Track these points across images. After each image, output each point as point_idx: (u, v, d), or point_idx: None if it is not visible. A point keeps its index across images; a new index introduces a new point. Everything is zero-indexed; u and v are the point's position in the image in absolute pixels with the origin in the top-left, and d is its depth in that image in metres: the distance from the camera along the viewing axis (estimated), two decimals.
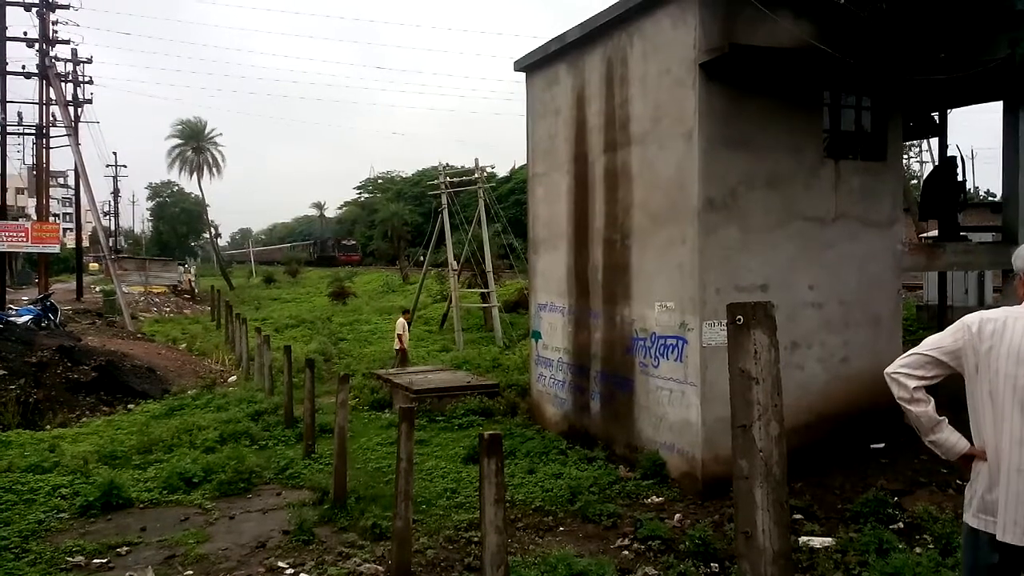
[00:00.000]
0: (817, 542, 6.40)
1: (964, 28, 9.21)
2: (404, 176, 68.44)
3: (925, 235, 16.16)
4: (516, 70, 12.52)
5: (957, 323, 2.87)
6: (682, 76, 8.43)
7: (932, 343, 2.84)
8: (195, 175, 58.62)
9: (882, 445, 8.52)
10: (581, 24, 10.38)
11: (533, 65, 12.04)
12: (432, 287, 28.64)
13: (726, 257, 8.32)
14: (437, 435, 11.04)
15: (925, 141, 22.65)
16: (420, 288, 26.53)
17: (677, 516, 7.46)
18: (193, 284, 46.81)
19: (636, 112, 9.40)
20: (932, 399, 2.79)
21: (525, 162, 13.39)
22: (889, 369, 2.91)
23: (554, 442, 10.35)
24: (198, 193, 61.34)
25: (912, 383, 2.81)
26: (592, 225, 10.45)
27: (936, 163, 12.62)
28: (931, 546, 6.19)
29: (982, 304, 14.31)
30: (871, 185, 9.12)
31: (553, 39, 11.27)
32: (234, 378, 17.44)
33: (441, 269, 27.83)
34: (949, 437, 2.82)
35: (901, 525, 6.73)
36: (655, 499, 8.01)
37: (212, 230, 67.58)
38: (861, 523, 6.74)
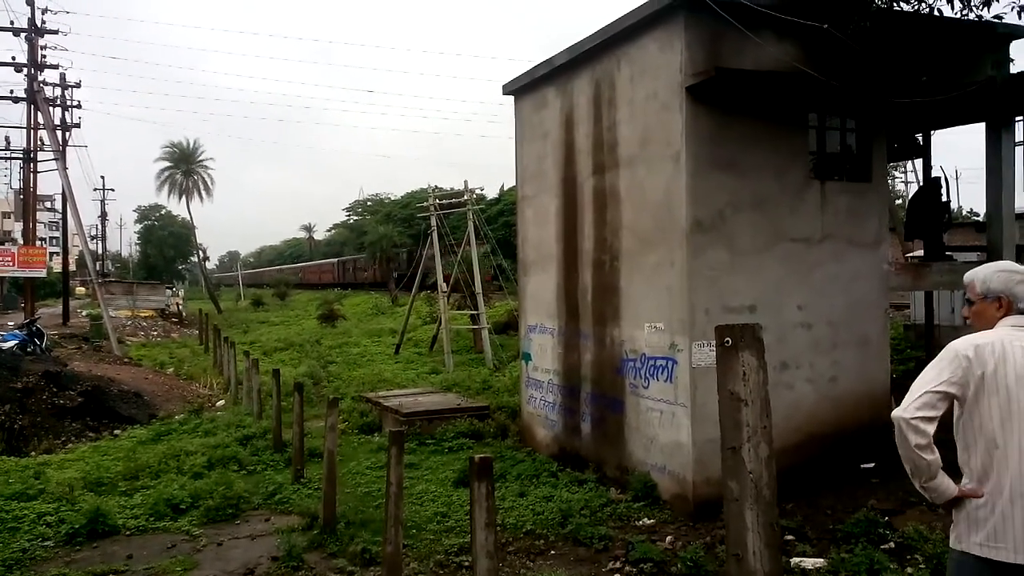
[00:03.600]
0: (809, 563, 6.39)
1: (946, 51, 9.38)
2: (393, 198, 68.54)
3: (911, 255, 16.31)
4: (505, 93, 12.62)
5: (948, 353, 2.87)
6: (669, 99, 8.53)
7: (936, 378, 2.80)
8: (184, 198, 58.54)
9: (872, 465, 8.54)
10: (569, 48, 10.49)
11: (522, 89, 12.14)
12: (421, 309, 28.60)
13: (714, 278, 8.36)
14: (427, 458, 10.98)
15: (910, 162, 22.92)
16: (409, 310, 26.50)
17: (669, 538, 7.43)
18: (181, 308, 46.54)
19: (624, 135, 9.48)
20: None
21: (514, 184, 13.46)
22: (905, 415, 2.81)
23: (545, 464, 10.31)
24: (186, 216, 61.19)
25: (931, 429, 2.75)
26: (581, 247, 10.49)
27: (921, 183, 12.77)
28: (922, 566, 6.20)
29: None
30: (857, 206, 9.21)
31: (541, 63, 11.37)
32: (222, 402, 17.30)
33: (430, 291, 27.81)
34: (943, 481, 2.82)
35: (892, 545, 6.72)
36: (647, 521, 7.98)
37: (200, 253, 67.40)
38: (852, 543, 6.73)
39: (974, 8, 8.88)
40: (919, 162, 13.20)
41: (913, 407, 2.80)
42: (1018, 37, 9.82)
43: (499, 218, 41.39)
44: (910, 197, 13.68)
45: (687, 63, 8.27)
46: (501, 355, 20.98)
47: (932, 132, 12.33)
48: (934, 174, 12.06)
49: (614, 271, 9.68)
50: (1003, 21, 9.20)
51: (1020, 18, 8.79)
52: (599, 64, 9.97)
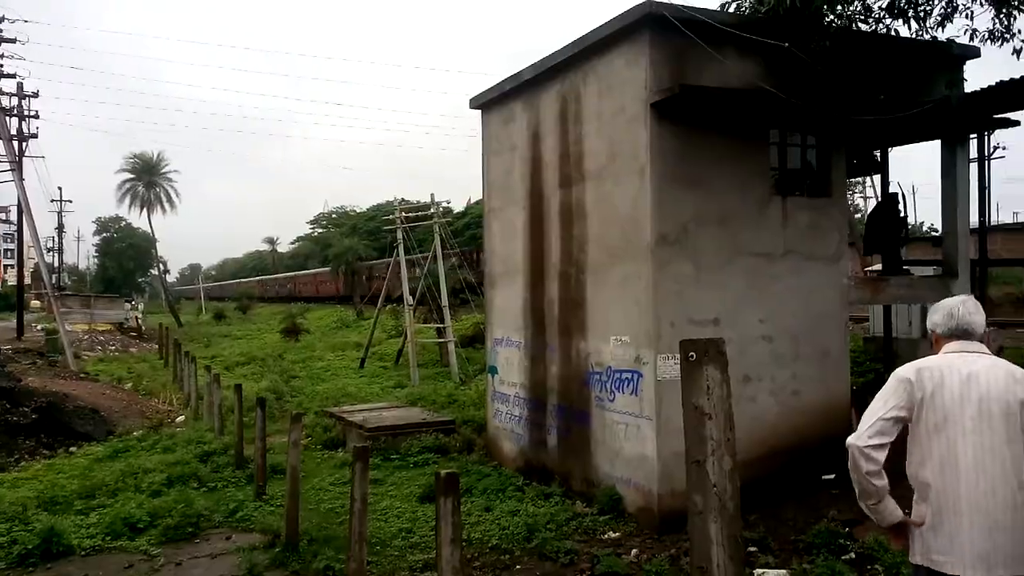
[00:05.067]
0: (772, 574, 6.44)
1: (903, 70, 9.63)
2: (359, 211, 68.16)
3: (870, 269, 16.63)
4: (472, 107, 12.65)
5: (892, 381, 3.02)
6: (635, 115, 8.62)
7: (884, 406, 2.95)
8: (146, 210, 57.52)
9: (832, 476, 8.65)
10: (536, 63, 10.56)
11: (489, 103, 12.19)
12: (387, 323, 28.40)
13: (679, 292, 8.44)
14: (392, 474, 10.87)
15: (868, 178, 23.43)
16: (375, 324, 26.31)
17: (634, 551, 7.44)
18: (140, 321, 45.64)
19: (591, 149, 9.56)
20: None
21: (480, 197, 13.48)
22: (858, 443, 2.96)
23: (511, 478, 10.27)
24: (146, 228, 60.12)
25: (881, 456, 2.90)
26: (548, 260, 10.52)
27: (879, 199, 13.06)
28: None
29: (924, 336, 14.72)
30: (817, 221, 9.38)
31: (508, 78, 11.43)
32: (182, 418, 16.97)
33: (396, 305, 27.64)
34: (888, 505, 2.97)
35: (853, 556, 6.81)
36: (612, 534, 7.99)
37: (161, 266, 66.24)
38: (814, 554, 6.81)
39: (929, 30, 9.14)
40: (877, 178, 13.51)
41: (865, 435, 2.96)
42: (971, 57, 10.11)
43: (466, 231, 41.36)
44: (868, 212, 13.98)
45: (652, 79, 8.37)
46: (467, 369, 20.92)
47: (890, 149, 12.64)
48: (892, 190, 12.36)
49: (581, 284, 9.72)
50: (956, 43, 9.48)
51: (972, 40, 9.07)
52: (566, 79, 10.05)
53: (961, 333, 2.93)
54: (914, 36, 9.16)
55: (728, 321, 8.60)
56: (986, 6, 8.68)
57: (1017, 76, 8.94)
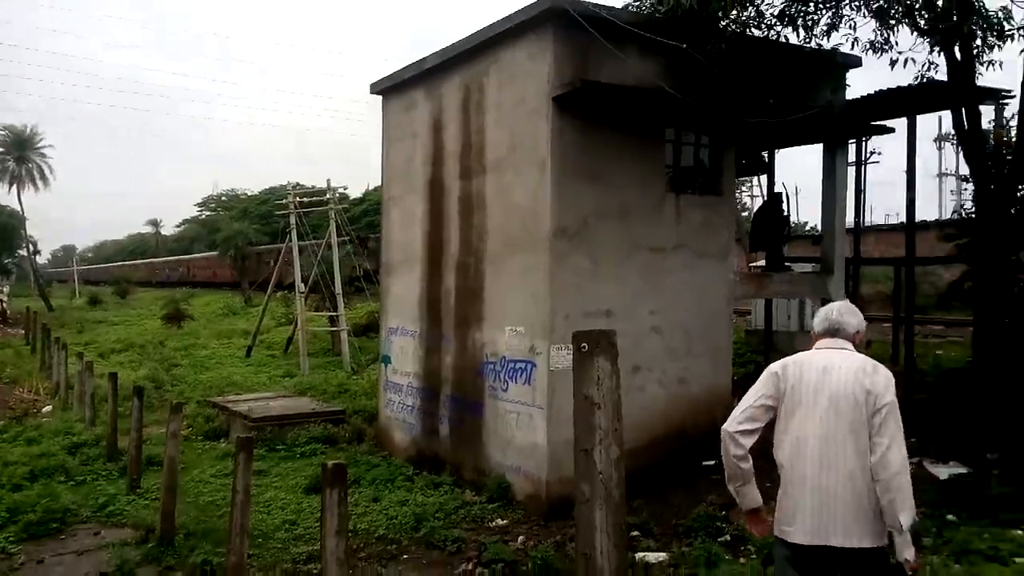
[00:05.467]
0: (652, 557, 6.63)
1: (792, 76, 10.07)
2: (250, 194, 65.68)
3: (754, 265, 17.39)
4: (372, 92, 12.37)
5: (764, 373, 3.30)
6: (537, 107, 8.64)
7: (756, 393, 3.23)
8: (15, 187, 53.37)
9: (713, 462, 8.98)
10: (440, 51, 10.42)
11: (390, 89, 11.95)
12: (277, 310, 27.52)
13: (576, 284, 8.54)
14: (277, 465, 10.53)
15: (756, 177, 24.50)
16: (264, 311, 25.43)
17: (521, 538, 7.49)
18: (5, 305, 42.41)
19: (492, 140, 9.52)
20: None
21: (379, 184, 13.22)
22: (729, 428, 3.19)
23: (401, 468, 10.15)
24: (15, 205, 55.83)
25: (749, 441, 3.16)
26: (447, 250, 10.43)
27: (765, 198, 13.65)
28: (754, 556, 6.56)
29: (803, 329, 15.53)
30: (708, 218, 9.70)
31: (410, 64, 11.23)
32: (49, 408, 15.86)
33: (287, 291, 26.81)
34: (751, 491, 3.23)
35: (728, 538, 7.10)
36: (500, 522, 8.02)
37: (30, 246, 61.67)
38: (693, 537, 7.07)
39: (816, 38, 9.58)
40: (764, 178, 14.12)
41: (735, 421, 3.22)
42: (853, 66, 10.66)
43: (363, 218, 40.60)
44: (755, 211, 14.62)
45: (555, 73, 8.41)
46: (360, 358, 20.54)
47: (777, 150, 13.24)
48: (777, 190, 12.95)
49: (479, 275, 9.69)
50: (841, 52, 9.99)
51: (853, 49, 9.57)
52: (469, 68, 9.96)
53: (831, 332, 3.19)
54: (802, 44, 9.60)
55: (622, 313, 8.78)
56: (868, 18, 9.16)
57: (895, 86, 9.54)
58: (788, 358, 3.30)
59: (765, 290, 11.25)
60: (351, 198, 33.80)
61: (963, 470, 8.81)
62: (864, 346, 3.28)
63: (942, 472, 8.31)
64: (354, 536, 7.31)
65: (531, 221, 8.73)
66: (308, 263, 23.96)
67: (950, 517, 6.92)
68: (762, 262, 12.94)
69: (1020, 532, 6.33)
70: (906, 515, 2.82)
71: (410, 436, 11.03)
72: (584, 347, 3.46)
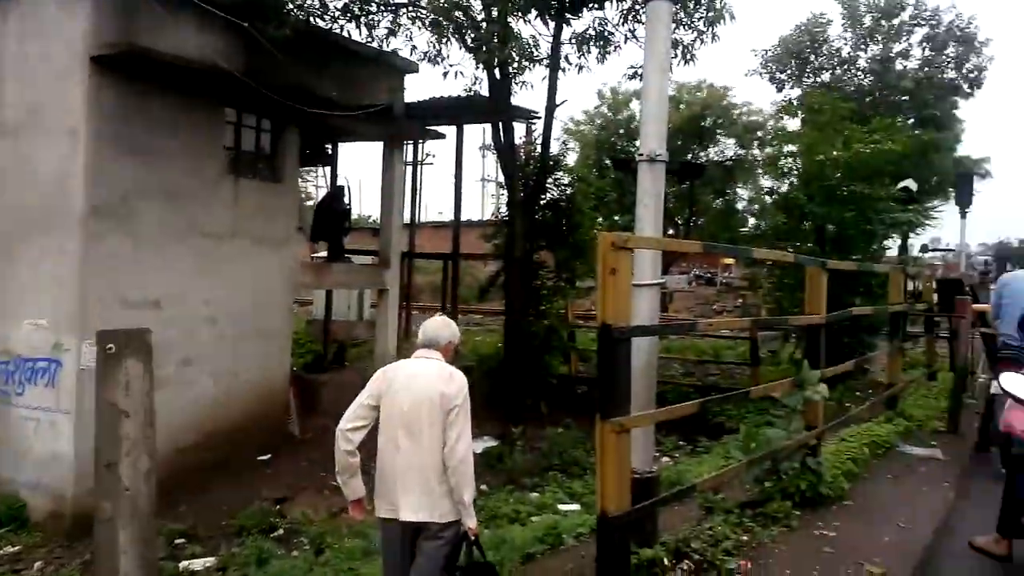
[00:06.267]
0: (199, 564, 6.29)
1: (357, 73, 10.38)
2: None
3: (316, 255, 17.62)
4: None
5: (373, 376, 3.68)
6: (70, 66, 7.50)
7: (363, 395, 3.58)
8: None
9: (268, 456, 8.89)
10: None
11: None
12: None
13: (115, 269, 7.64)
14: None
15: (320, 168, 24.75)
16: None
17: (38, 564, 6.51)
18: None
19: (8, 99, 7.99)
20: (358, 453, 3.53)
21: None
22: (342, 427, 3.48)
23: None
24: None
25: (357, 437, 3.49)
26: None
27: (328, 189, 13.88)
28: (307, 547, 6.65)
29: (361, 318, 16.22)
30: (269, 205, 9.49)
31: None
32: None
33: None
34: (356, 483, 3.56)
35: (282, 532, 7.09)
36: (10, 549, 6.83)
37: None
38: (244, 536, 6.87)
39: (378, 38, 10.02)
40: (328, 169, 14.35)
41: (346, 420, 3.51)
42: (411, 72, 11.40)
43: None
44: (317, 201, 14.75)
45: (94, 31, 7.41)
46: None
47: (340, 143, 13.55)
48: (340, 182, 13.26)
49: None
50: (400, 56, 10.61)
51: (411, 55, 10.26)
52: None
53: (427, 344, 3.68)
54: (366, 42, 9.97)
55: (171, 302, 8.15)
56: (424, 29, 9.88)
57: (447, 95, 10.48)
58: (390, 364, 3.76)
59: (326, 280, 11.47)
60: None
61: (494, 443, 10.14)
62: (455, 353, 3.83)
63: (478, 446, 9.42)
64: None
65: (58, 196, 7.56)
66: None
67: (483, 487, 7.84)
68: (324, 253, 13.16)
69: (536, 495, 7.45)
70: (468, 493, 3.41)
71: None
72: (111, 348, 3.19)
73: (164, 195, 8.15)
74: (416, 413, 3.45)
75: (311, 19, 9.47)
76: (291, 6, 8.79)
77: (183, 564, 6.24)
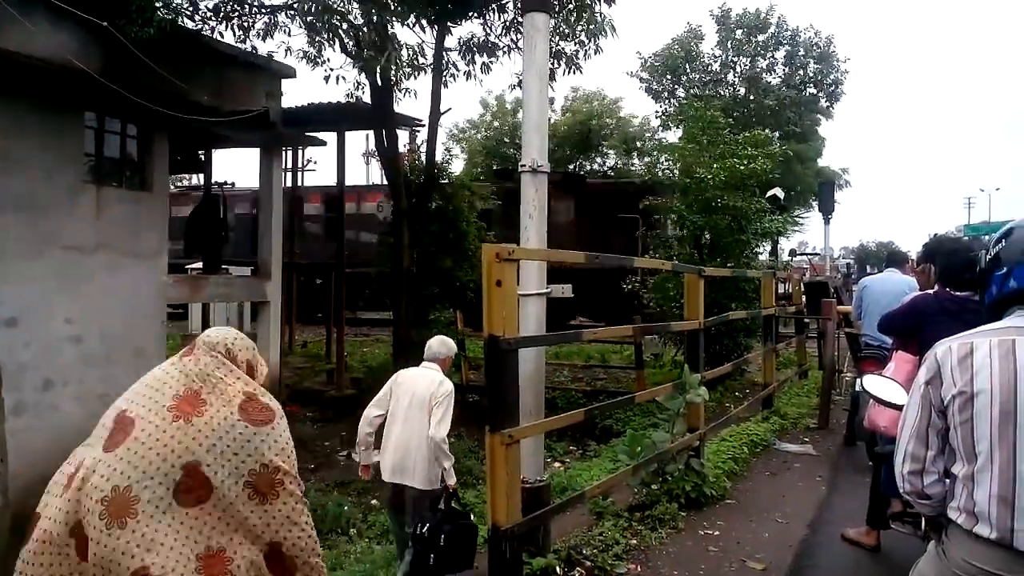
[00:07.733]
0: None
1: (230, 77, 9.94)
2: None
3: (191, 267, 16.81)
4: None
5: (393, 376, 4.80)
6: None
7: (383, 390, 4.71)
8: None
9: None
10: None
11: None
12: None
13: None
14: None
15: (193, 176, 23.66)
16: None
17: None
18: None
19: None
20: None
21: None
22: (367, 413, 4.69)
23: None
24: None
25: (377, 422, 4.68)
26: None
27: (202, 199, 13.25)
28: None
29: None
30: (137, 215, 8.95)
31: None
32: None
33: None
34: (368, 454, 4.78)
35: None
36: None
37: None
38: None
39: (250, 39, 9.64)
40: (203, 176, 13.71)
41: (370, 408, 4.70)
42: (288, 77, 11.02)
43: None
44: (190, 212, 14.04)
45: None
46: None
47: (215, 150, 12.97)
48: (215, 191, 12.70)
49: None
50: (276, 60, 10.24)
51: (287, 57, 9.91)
52: None
53: (429, 357, 4.79)
54: (240, 44, 9.57)
55: (29, 321, 7.56)
56: (302, 29, 9.59)
57: (327, 101, 10.21)
58: (401, 370, 4.86)
59: (201, 293, 10.91)
60: None
61: None
62: (450, 365, 4.96)
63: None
64: None
65: None
66: None
67: (374, 502, 7.69)
68: (200, 264, 12.56)
69: None
70: (448, 462, 4.45)
71: None
72: None
73: (16, 207, 7.54)
74: (413, 407, 4.53)
75: (180, 19, 9.02)
76: (157, 4, 8.33)
77: None
